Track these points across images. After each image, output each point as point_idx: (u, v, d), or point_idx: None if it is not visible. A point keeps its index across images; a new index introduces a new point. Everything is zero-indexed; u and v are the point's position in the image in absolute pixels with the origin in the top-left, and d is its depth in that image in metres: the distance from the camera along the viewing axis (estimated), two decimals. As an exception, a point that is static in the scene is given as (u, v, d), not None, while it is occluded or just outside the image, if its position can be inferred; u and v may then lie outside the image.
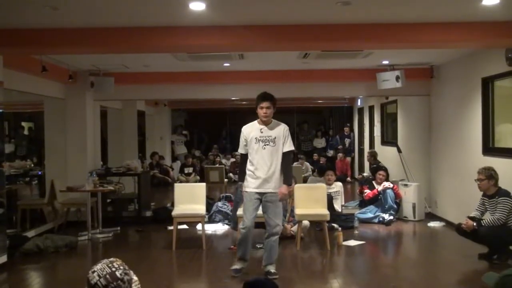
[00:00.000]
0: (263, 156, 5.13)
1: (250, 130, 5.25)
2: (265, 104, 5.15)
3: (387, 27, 5.32)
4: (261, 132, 5.18)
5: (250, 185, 5.18)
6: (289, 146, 5.22)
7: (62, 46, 5.59)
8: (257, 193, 5.15)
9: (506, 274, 2.33)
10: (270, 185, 5.13)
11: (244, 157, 5.31)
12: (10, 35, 5.30)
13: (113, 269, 2.19)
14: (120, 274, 2.19)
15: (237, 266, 5.24)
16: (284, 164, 5.19)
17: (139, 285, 2.29)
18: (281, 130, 5.21)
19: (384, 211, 8.19)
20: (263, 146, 5.14)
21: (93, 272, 2.18)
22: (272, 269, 5.17)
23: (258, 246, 6.31)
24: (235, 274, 5.18)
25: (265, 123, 5.21)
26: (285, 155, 5.21)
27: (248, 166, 5.23)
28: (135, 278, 2.28)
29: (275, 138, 5.16)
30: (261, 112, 5.18)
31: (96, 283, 2.15)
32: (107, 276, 2.16)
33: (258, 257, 5.71)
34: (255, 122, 5.30)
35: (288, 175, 5.23)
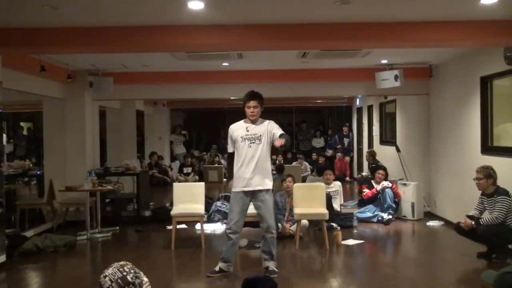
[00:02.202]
0: (248, 154, 5.11)
1: (236, 129, 5.23)
2: (252, 103, 5.14)
3: (386, 26, 5.32)
4: (247, 131, 5.16)
5: (238, 184, 5.16)
6: (280, 131, 5.09)
7: (60, 46, 5.58)
8: (245, 192, 5.13)
9: (505, 272, 2.33)
10: (257, 183, 5.10)
11: (232, 155, 5.31)
12: (8, 34, 5.29)
13: (124, 273, 2.22)
14: (131, 278, 2.22)
15: (216, 268, 5.25)
16: (285, 136, 4.97)
17: (150, 286, 2.31)
18: (265, 126, 5.17)
19: (383, 211, 8.20)
20: (249, 144, 5.11)
21: (105, 277, 2.21)
22: (271, 265, 5.19)
23: (257, 246, 6.31)
24: (211, 274, 5.19)
25: (252, 122, 5.20)
26: (281, 135, 4.99)
27: (235, 165, 5.21)
28: (145, 279, 2.31)
29: (260, 136, 5.13)
30: (248, 111, 5.17)
31: None
32: (119, 280, 2.19)
33: (256, 257, 5.71)
34: (242, 121, 5.29)
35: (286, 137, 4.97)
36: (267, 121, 5.24)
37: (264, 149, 5.13)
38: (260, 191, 5.12)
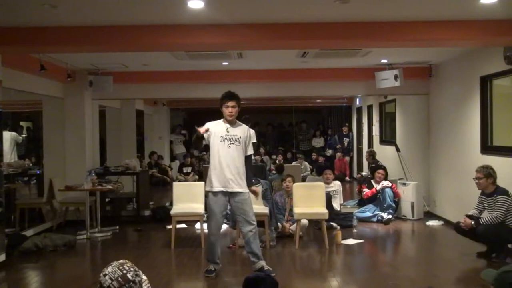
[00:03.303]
0: (228, 155, 5.13)
1: (215, 126, 5.26)
2: (231, 103, 5.19)
3: (386, 25, 5.32)
4: (227, 132, 5.19)
5: (217, 184, 5.15)
6: (251, 150, 5.30)
7: (60, 45, 5.57)
8: (224, 192, 5.14)
9: (505, 270, 2.34)
10: (236, 184, 5.12)
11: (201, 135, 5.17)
12: (8, 33, 5.29)
13: (124, 271, 2.23)
14: (132, 276, 2.23)
15: (211, 267, 5.25)
16: (246, 166, 5.23)
17: (149, 285, 2.31)
18: (245, 131, 5.25)
19: (383, 210, 8.20)
20: (228, 145, 5.15)
21: (105, 275, 2.22)
22: (265, 265, 5.17)
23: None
24: (209, 275, 5.19)
25: (230, 123, 5.24)
26: (247, 158, 5.26)
27: (212, 165, 5.20)
28: (144, 277, 2.32)
29: (240, 138, 5.18)
30: (226, 111, 5.20)
31: (108, 286, 2.19)
32: (119, 278, 2.20)
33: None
34: (220, 121, 5.32)
35: (249, 178, 5.26)
36: (246, 127, 5.31)
37: (243, 151, 5.19)
38: (239, 192, 5.14)
